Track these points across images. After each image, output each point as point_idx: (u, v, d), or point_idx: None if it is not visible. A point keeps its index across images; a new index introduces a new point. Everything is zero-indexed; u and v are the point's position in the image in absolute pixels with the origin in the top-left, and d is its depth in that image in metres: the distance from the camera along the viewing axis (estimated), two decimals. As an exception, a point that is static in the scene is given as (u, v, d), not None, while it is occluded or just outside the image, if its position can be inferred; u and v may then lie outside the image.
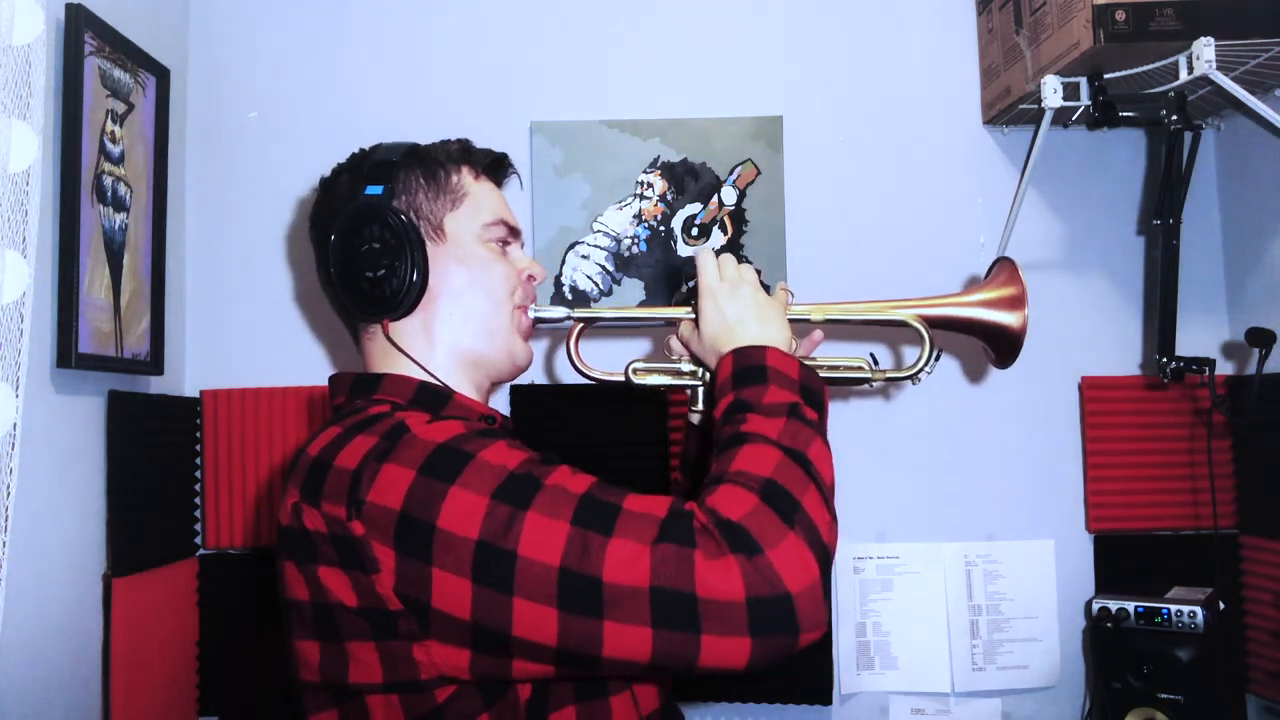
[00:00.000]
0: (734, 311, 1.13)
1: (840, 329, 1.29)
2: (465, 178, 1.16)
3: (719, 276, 1.16)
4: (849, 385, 1.29)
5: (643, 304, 2.16)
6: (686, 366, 1.27)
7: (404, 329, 1.11)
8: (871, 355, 1.28)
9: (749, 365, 1.05)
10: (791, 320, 1.20)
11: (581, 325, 1.29)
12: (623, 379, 1.28)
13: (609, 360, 1.36)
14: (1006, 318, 1.26)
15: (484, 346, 1.14)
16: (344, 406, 1.10)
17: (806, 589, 0.84)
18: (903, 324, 1.26)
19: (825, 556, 0.87)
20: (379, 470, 0.92)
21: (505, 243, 1.18)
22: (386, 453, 0.93)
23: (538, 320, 1.21)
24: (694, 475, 1.35)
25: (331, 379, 1.15)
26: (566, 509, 0.88)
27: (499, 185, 1.22)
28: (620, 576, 0.84)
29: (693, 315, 1.20)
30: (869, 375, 1.26)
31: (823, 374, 1.24)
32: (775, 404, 0.99)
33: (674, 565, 0.84)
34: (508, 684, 0.95)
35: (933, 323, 1.26)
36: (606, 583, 0.85)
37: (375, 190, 1.10)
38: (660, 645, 0.84)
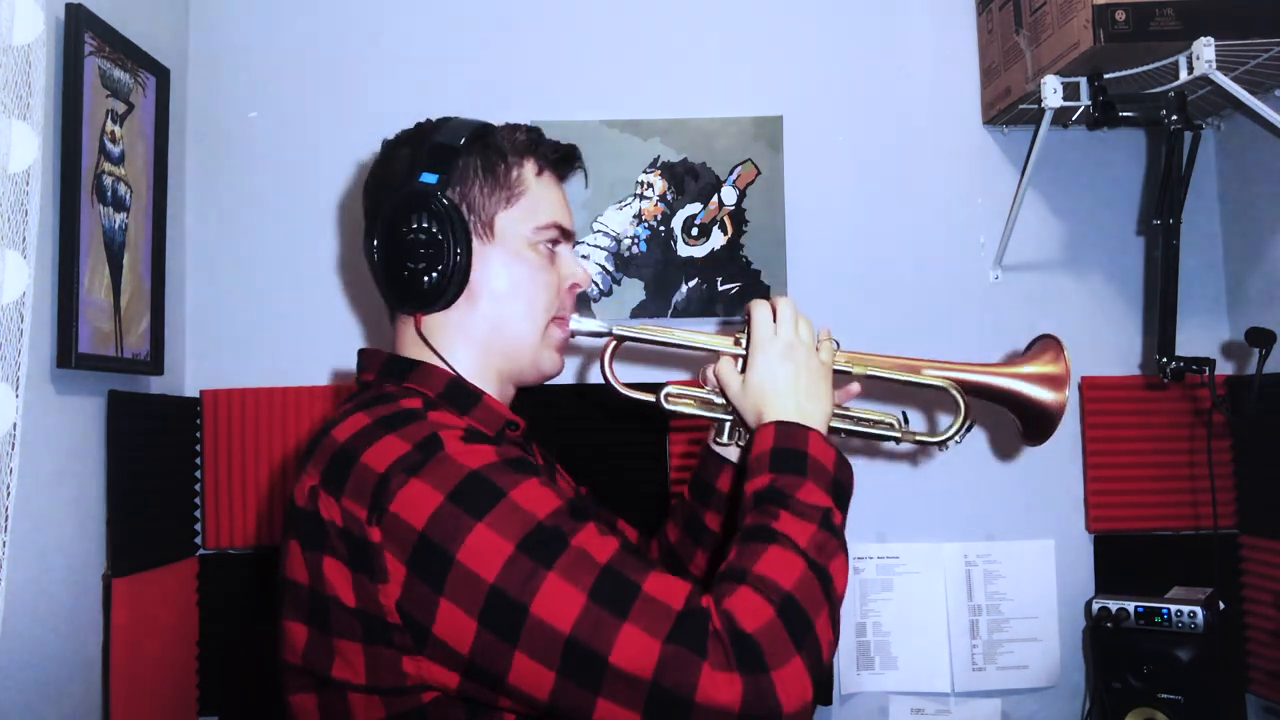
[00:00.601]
0: (785, 377, 1.11)
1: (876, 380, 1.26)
2: (526, 172, 1.13)
3: (774, 331, 1.14)
4: (877, 440, 1.28)
5: (640, 306, 2.16)
6: (719, 399, 1.24)
7: (439, 320, 1.10)
8: (903, 413, 1.27)
9: (790, 448, 1.04)
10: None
11: (617, 343, 1.26)
12: (654, 400, 1.27)
13: (625, 369, 1.35)
14: (1045, 395, 1.23)
15: (514, 352, 1.13)
16: (372, 385, 1.09)
17: (797, 711, 0.86)
18: (941, 388, 1.24)
19: (821, 677, 0.89)
20: (407, 483, 0.91)
21: (555, 243, 1.15)
22: (418, 466, 0.92)
23: (575, 333, 1.19)
24: (709, 504, 1.33)
25: (362, 353, 1.14)
26: (587, 577, 0.88)
27: (562, 180, 1.19)
28: (626, 662, 0.85)
29: (739, 352, 1.17)
30: (898, 434, 1.26)
31: (853, 427, 1.25)
32: (809, 505, 0.99)
33: (680, 667, 0.84)
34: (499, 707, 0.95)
35: (970, 389, 1.24)
36: (611, 664, 0.85)
37: (430, 179, 1.07)
38: None
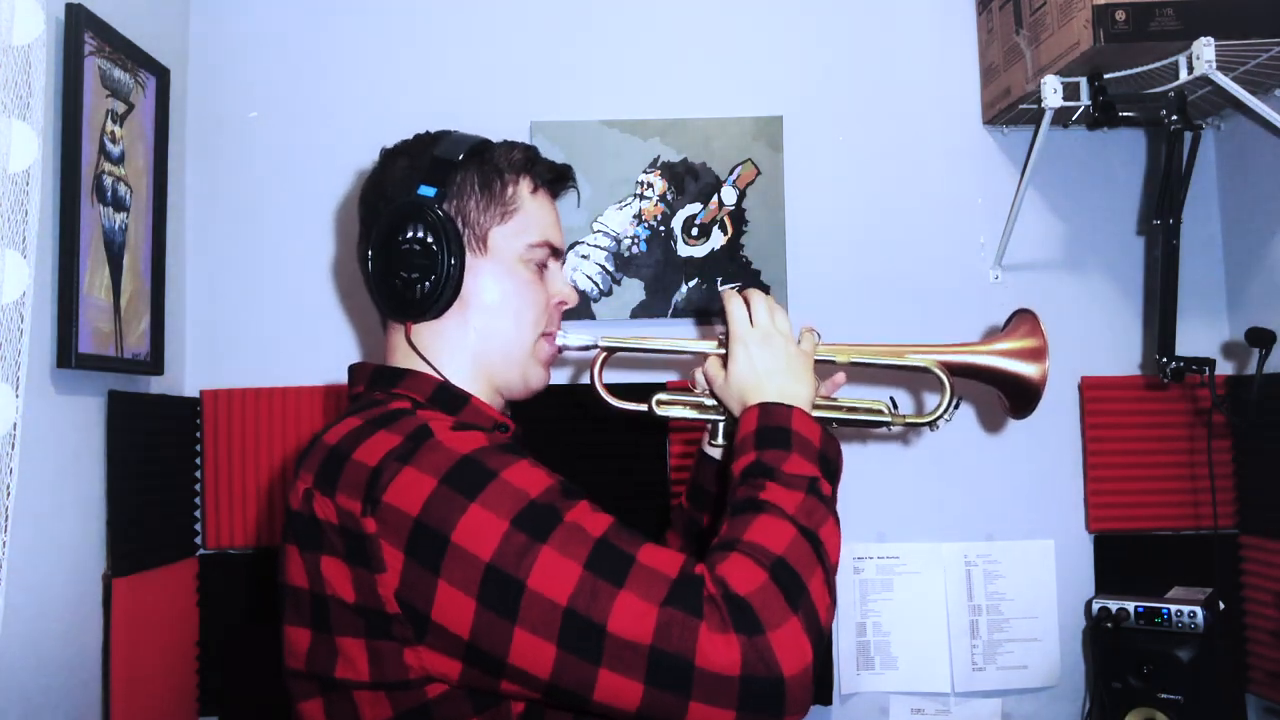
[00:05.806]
0: (764, 363, 1.13)
1: (861, 367, 1.29)
2: (522, 189, 1.15)
3: (750, 323, 1.16)
4: (868, 427, 1.29)
5: (640, 306, 2.15)
6: (709, 400, 1.26)
7: (430, 329, 1.11)
8: (891, 399, 1.29)
9: (773, 425, 1.05)
10: (816, 361, 1.20)
11: (606, 354, 1.28)
12: (645, 409, 1.29)
13: (623, 376, 1.36)
14: (1027, 369, 1.27)
15: (501, 364, 1.14)
16: (363, 397, 1.10)
17: (799, 674, 0.86)
18: (924, 370, 1.26)
19: (821, 640, 0.89)
20: (400, 471, 0.92)
21: (545, 262, 1.17)
22: (409, 454, 0.93)
23: (563, 348, 1.21)
24: (706, 509, 1.35)
25: (351, 368, 1.15)
26: (582, 549, 0.89)
27: (555, 198, 1.21)
28: (624, 629, 0.85)
29: (721, 352, 1.20)
30: (888, 419, 1.28)
31: (843, 415, 1.26)
32: (795, 475, 0.99)
33: (678, 630, 0.85)
34: (502, 696, 0.95)
35: (953, 370, 1.27)
36: (610, 632, 0.85)
37: (428, 191, 1.09)
38: (649, 701, 0.86)
